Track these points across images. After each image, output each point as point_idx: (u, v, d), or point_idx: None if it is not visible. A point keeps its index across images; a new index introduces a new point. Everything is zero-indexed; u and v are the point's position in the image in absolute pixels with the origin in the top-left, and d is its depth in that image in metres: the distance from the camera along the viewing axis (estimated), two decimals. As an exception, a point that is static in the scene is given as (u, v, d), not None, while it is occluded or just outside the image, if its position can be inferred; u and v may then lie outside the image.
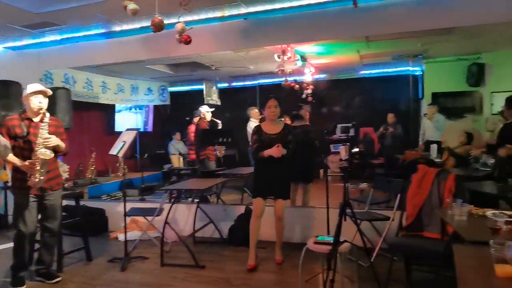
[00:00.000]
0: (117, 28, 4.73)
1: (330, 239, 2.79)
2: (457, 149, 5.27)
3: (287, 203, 3.98)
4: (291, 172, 3.97)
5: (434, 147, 5.60)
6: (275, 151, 3.65)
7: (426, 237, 3.01)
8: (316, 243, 2.96)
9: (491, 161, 4.70)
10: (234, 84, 9.67)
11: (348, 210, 2.79)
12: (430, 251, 2.81)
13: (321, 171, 6.96)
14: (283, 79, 6.52)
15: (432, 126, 6.89)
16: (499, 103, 6.10)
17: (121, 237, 4.53)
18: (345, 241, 2.76)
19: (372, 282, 2.98)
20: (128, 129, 4.24)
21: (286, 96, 6.26)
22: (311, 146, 4.81)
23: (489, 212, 2.27)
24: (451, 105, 7.47)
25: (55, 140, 3.22)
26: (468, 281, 1.39)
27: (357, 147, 8.11)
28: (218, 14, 4.29)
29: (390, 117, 7.47)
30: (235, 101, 9.25)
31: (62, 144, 3.32)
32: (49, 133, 3.20)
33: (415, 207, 3.09)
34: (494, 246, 1.47)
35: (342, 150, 2.69)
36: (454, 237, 2.35)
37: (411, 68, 8.26)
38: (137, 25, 4.61)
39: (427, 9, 3.85)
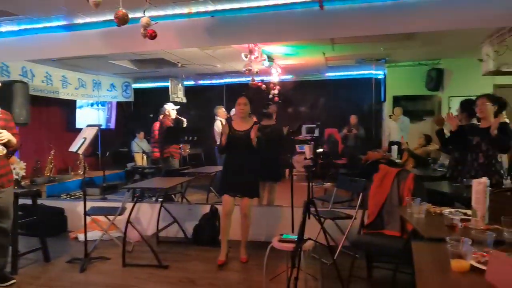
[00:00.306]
0: (79, 20, 4.56)
1: (295, 237, 2.82)
2: (416, 151, 5.48)
3: (254, 201, 4.00)
4: (259, 171, 4.00)
5: (395, 148, 5.79)
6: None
7: (387, 234, 3.10)
8: (280, 241, 2.98)
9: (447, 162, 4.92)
10: (200, 82, 9.59)
11: (312, 209, 2.83)
12: (390, 248, 2.91)
13: (287, 170, 7.03)
14: (250, 78, 6.53)
15: (397, 127, 7.15)
16: (456, 107, 6.39)
17: (81, 237, 4.38)
18: (309, 239, 2.80)
19: (335, 280, 3.04)
20: (89, 125, 4.10)
21: (253, 95, 6.26)
22: (280, 145, 4.84)
23: (446, 210, 2.36)
24: (411, 108, 7.76)
25: (6, 135, 3.05)
26: (425, 277, 1.44)
27: (321, 148, 8.30)
28: (184, 10, 4.23)
29: (353, 119, 7.68)
30: (201, 100, 9.17)
31: (14, 139, 3.14)
32: (-1, 127, 3.04)
33: (376, 205, 3.18)
34: (450, 242, 1.53)
35: (307, 149, 2.72)
36: (413, 234, 2.44)
37: (374, 72, 8.51)
38: (100, 18, 4.47)
39: (391, 14, 3.98)
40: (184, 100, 8.47)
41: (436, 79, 7.28)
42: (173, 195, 5.55)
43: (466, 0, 3.90)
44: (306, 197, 2.76)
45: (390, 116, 7.65)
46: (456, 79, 7.21)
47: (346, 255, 3.74)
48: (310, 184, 2.90)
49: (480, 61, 6.14)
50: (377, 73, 8.57)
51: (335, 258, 3.74)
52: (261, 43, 5.56)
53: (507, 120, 5.52)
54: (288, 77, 8.86)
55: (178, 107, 6.89)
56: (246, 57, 5.69)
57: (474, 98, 3.85)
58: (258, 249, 3.98)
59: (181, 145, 6.34)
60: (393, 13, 3.99)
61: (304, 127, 8.37)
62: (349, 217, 3.89)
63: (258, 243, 4.24)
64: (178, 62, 7.14)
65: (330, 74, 8.96)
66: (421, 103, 7.80)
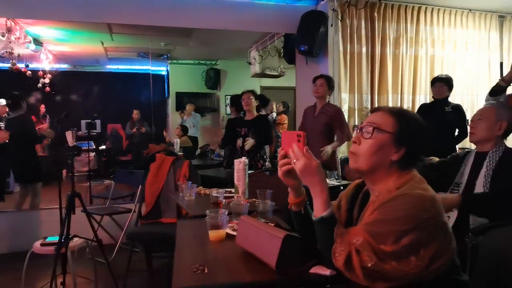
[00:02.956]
0: None
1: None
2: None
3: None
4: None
5: (177, 141, 5.93)
6: None
7: (164, 223, 3.10)
8: (43, 244, 2.60)
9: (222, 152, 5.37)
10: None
11: (90, 207, 2.57)
12: (167, 235, 2.89)
13: (64, 171, 6.33)
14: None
15: (189, 122, 7.37)
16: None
17: None
18: (75, 236, 2.52)
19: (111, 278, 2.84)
20: None
21: (14, 82, 5.36)
22: (29, 140, 4.23)
23: (214, 191, 2.50)
24: (194, 104, 8.14)
25: None
26: (184, 249, 1.45)
27: (104, 144, 7.81)
28: None
29: (135, 114, 7.52)
30: None
31: None
32: None
33: (153, 195, 3.15)
34: (209, 215, 1.60)
35: (69, 135, 2.44)
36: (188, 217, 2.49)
37: (157, 68, 8.53)
38: None
39: (168, 7, 4.07)
40: None
41: (214, 78, 7.84)
42: None
43: (237, 4, 4.32)
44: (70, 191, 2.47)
45: (183, 111, 7.83)
46: (231, 79, 7.94)
47: (126, 250, 3.57)
48: (74, 177, 2.62)
49: (249, 64, 6.92)
50: (160, 69, 8.63)
51: (113, 255, 3.57)
52: (18, 19, 4.73)
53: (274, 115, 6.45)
54: (64, 66, 7.95)
55: None
56: (3, 36, 4.78)
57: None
58: (17, 260, 3.39)
59: None
60: (169, 6, 4.08)
61: (83, 122, 7.67)
62: (128, 211, 3.73)
63: (20, 253, 3.61)
64: None
65: (112, 67, 8.51)
66: (202, 100, 8.27)
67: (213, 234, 1.55)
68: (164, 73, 8.74)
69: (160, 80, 8.64)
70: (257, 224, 1.33)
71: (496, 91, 2.61)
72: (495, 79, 4.92)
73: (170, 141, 6.45)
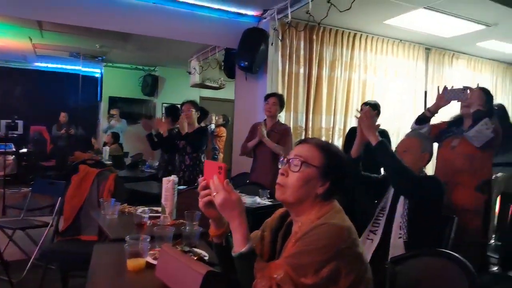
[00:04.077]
0: None
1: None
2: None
3: None
4: None
5: (106, 149, 5.63)
6: None
7: (83, 240, 2.89)
8: None
9: (156, 163, 5.17)
10: None
11: (2, 220, 2.30)
12: (86, 254, 2.69)
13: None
14: None
15: (118, 128, 7.02)
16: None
17: None
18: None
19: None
20: None
21: None
22: None
23: (140, 209, 2.37)
24: (128, 110, 7.81)
25: None
26: (98, 279, 1.34)
27: (26, 147, 7.20)
28: None
29: (63, 117, 7.03)
30: None
31: None
32: None
33: (73, 209, 2.92)
34: (128, 241, 1.49)
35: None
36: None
37: (90, 69, 8.09)
38: None
39: (105, 10, 3.92)
40: None
41: (151, 85, 7.59)
42: None
43: (178, 14, 4.22)
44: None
45: (112, 116, 7.44)
46: (169, 87, 7.74)
47: (41, 267, 3.27)
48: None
49: (189, 73, 6.81)
50: (94, 70, 8.20)
51: (25, 273, 3.27)
52: None
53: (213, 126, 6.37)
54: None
55: None
56: None
57: (178, 104, 4.17)
58: None
59: None
60: (107, 9, 3.91)
61: (3, 122, 7.04)
62: (45, 225, 3.43)
63: None
64: None
65: (40, 65, 7.93)
66: (138, 107, 7.97)
67: (131, 263, 1.44)
68: (98, 75, 8.32)
69: (93, 83, 8.19)
70: (178, 256, 1.25)
71: (422, 120, 2.78)
72: (419, 106, 5.30)
73: (98, 148, 6.10)
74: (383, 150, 2.11)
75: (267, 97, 3.69)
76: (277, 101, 3.64)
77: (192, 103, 3.96)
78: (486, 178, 2.63)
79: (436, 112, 2.83)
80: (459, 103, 2.72)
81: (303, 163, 1.22)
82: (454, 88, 2.69)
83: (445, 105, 2.72)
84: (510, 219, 2.58)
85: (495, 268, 2.60)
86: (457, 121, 2.80)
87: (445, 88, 2.71)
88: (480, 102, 2.55)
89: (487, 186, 2.62)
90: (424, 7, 4.02)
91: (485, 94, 2.68)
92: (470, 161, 2.56)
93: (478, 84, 2.62)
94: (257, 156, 3.71)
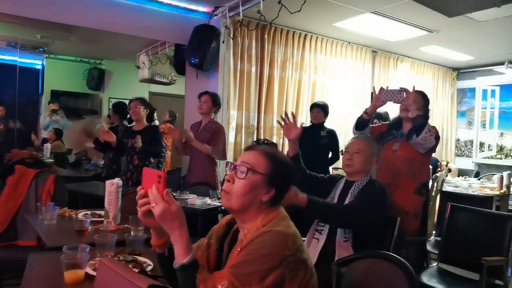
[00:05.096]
0: None
1: None
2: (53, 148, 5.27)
3: None
4: None
5: (48, 146, 5.31)
6: None
7: (21, 246, 2.70)
8: None
9: (102, 162, 4.95)
10: None
11: None
12: (23, 261, 2.52)
13: None
14: None
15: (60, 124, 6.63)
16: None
17: None
18: None
19: None
20: None
21: None
22: None
23: (81, 214, 2.26)
24: (71, 105, 7.43)
25: None
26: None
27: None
28: None
29: (0, 110, 6.56)
30: None
31: None
32: None
33: (9, 213, 2.71)
34: (65, 252, 1.40)
35: None
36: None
37: (30, 61, 7.59)
38: None
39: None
40: None
41: (97, 79, 7.26)
42: None
43: (126, 7, 4.04)
44: None
45: (54, 112, 7.02)
46: (117, 81, 7.46)
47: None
48: None
49: (138, 67, 6.59)
50: (34, 62, 7.70)
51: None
52: None
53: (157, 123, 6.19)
54: None
55: None
56: None
57: (126, 101, 4.00)
58: None
59: None
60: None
61: None
62: (-24, 229, 3.17)
63: None
64: None
65: (-27, 54, 7.33)
66: (82, 101, 7.61)
67: (69, 276, 1.36)
68: (39, 67, 7.83)
69: (33, 75, 7.68)
70: (118, 270, 1.18)
71: (361, 124, 2.75)
72: (366, 106, 5.47)
73: (39, 145, 5.74)
74: (314, 208, 2.03)
75: (200, 95, 3.65)
76: (209, 98, 3.60)
77: (141, 100, 3.77)
78: (424, 181, 2.72)
79: (374, 113, 2.87)
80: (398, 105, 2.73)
81: (249, 170, 1.22)
82: (390, 89, 2.64)
83: (381, 106, 2.69)
84: (449, 216, 2.70)
85: (434, 264, 2.74)
86: (396, 124, 2.84)
87: (381, 88, 2.66)
88: (417, 106, 2.58)
89: (425, 188, 2.72)
90: (372, 12, 4.16)
91: (422, 97, 2.74)
92: (410, 164, 2.64)
93: (414, 87, 2.63)
94: (192, 156, 3.66)
